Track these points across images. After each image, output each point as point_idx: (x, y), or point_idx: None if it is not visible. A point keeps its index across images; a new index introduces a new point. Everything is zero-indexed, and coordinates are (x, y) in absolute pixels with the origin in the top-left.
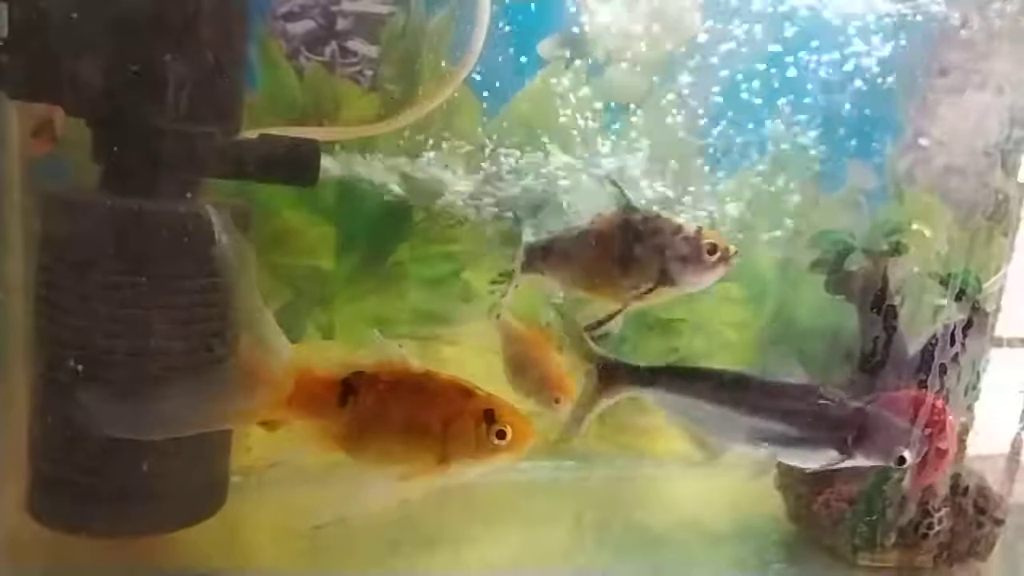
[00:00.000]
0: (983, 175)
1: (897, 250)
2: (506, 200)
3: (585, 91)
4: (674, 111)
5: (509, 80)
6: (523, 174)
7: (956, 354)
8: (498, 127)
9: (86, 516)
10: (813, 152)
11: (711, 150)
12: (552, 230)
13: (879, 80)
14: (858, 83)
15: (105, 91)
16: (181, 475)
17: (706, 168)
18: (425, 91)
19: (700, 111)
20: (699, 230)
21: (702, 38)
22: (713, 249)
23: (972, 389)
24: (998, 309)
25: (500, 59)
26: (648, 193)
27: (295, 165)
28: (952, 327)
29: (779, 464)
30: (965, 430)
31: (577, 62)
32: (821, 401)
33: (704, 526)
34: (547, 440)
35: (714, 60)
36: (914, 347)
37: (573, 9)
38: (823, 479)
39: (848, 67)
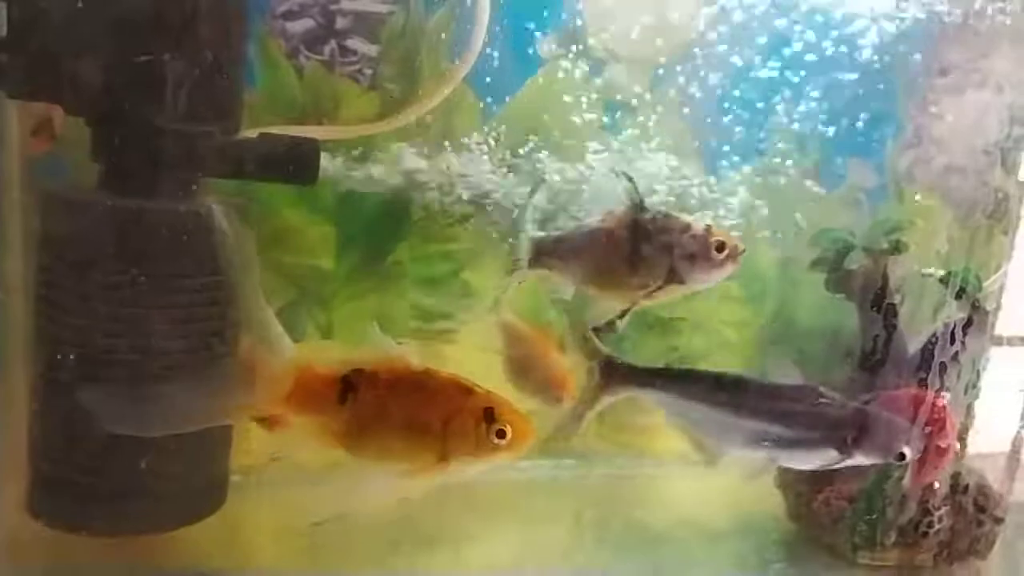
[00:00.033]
0: (983, 174)
1: (897, 248)
2: (506, 198)
3: (585, 90)
4: (673, 110)
5: (509, 79)
6: (523, 173)
7: (956, 352)
8: (497, 126)
9: (86, 515)
10: (813, 151)
11: (711, 149)
12: (557, 227)
13: (879, 79)
14: (858, 82)
15: (104, 90)
16: (181, 474)
17: (705, 168)
18: (425, 90)
19: (700, 110)
20: (708, 228)
21: (702, 37)
22: (721, 247)
23: (972, 387)
24: (998, 308)
25: (500, 58)
26: (648, 193)
27: (295, 164)
28: (952, 325)
29: None
30: (965, 428)
31: (577, 61)
32: (820, 401)
33: (704, 525)
34: (547, 439)
35: (714, 59)
36: (914, 346)
37: (573, 8)
38: (823, 477)
39: (848, 66)
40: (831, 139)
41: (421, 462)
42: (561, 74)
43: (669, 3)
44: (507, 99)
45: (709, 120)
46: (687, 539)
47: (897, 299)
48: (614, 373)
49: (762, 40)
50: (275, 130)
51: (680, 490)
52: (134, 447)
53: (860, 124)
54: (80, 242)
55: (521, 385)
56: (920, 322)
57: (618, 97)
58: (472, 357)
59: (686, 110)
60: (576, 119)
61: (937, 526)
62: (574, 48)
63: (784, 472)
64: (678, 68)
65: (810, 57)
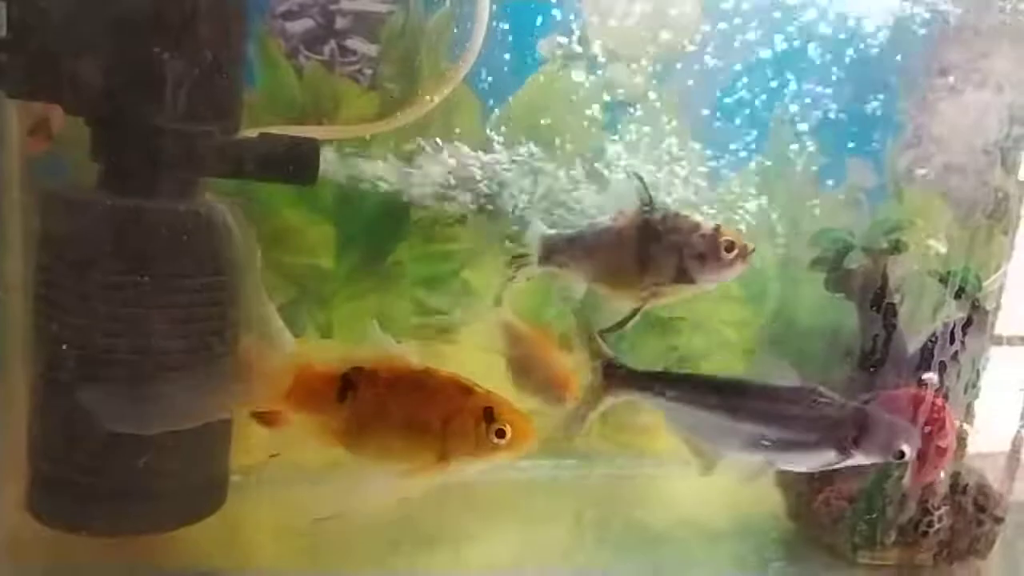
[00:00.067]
0: (983, 173)
1: (897, 248)
2: (507, 198)
3: (585, 89)
4: (673, 109)
5: (509, 79)
6: (523, 172)
7: (956, 352)
8: (498, 125)
9: (86, 515)
10: (813, 150)
11: (710, 148)
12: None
13: (880, 78)
14: (859, 81)
15: (104, 90)
16: (181, 474)
17: (705, 167)
18: (424, 90)
19: (700, 109)
20: (717, 228)
21: (702, 36)
22: (731, 247)
23: (972, 387)
24: (998, 307)
25: (500, 58)
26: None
27: (295, 164)
28: (952, 325)
29: None
30: (965, 428)
31: (577, 60)
32: (819, 401)
33: (704, 524)
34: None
35: (713, 58)
36: (914, 345)
37: (573, 7)
38: (823, 477)
39: (848, 65)
40: (831, 138)
41: (421, 461)
42: (561, 73)
43: (669, 2)
44: (507, 99)
45: (709, 119)
46: (687, 539)
47: (897, 299)
48: (614, 376)
49: (762, 40)
50: (275, 130)
51: (680, 490)
52: (134, 447)
53: (860, 124)
54: (80, 242)
55: (523, 385)
56: (920, 322)
57: (618, 96)
58: (473, 357)
59: (686, 109)
60: (576, 118)
61: (937, 525)
62: (574, 48)
63: (784, 472)
64: (678, 67)
65: (810, 57)
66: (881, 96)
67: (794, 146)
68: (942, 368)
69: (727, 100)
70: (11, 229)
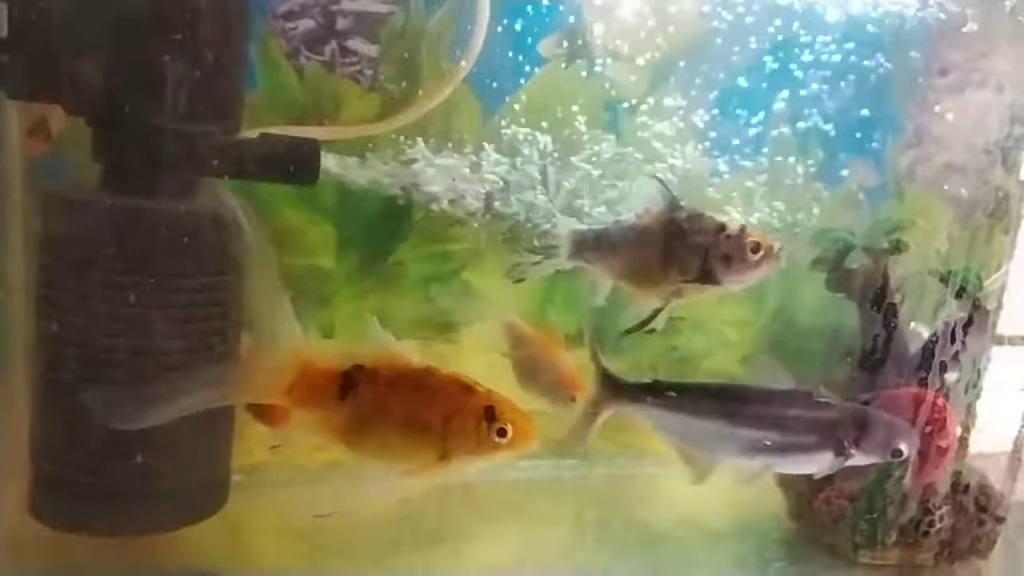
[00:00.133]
0: (983, 173)
1: (897, 248)
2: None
3: (585, 89)
4: (674, 109)
5: (509, 79)
6: (523, 172)
7: (957, 352)
8: (498, 125)
9: (87, 515)
10: (813, 149)
11: (711, 148)
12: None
13: (880, 77)
14: (859, 80)
15: (105, 90)
16: (182, 474)
17: (705, 166)
18: (425, 90)
19: (700, 109)
20: (743, 228)
21: (702, 36)
22: (757, 247)
23: (973, 387)
24: (999, 307)
25: (500, 58)
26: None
27: (295, 164)
28: (953, 325)
29: None
30: (966, 428)
31: (578, 60)
32: (817, 401)
33: (704, 524)
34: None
35: (714, 58)
36: (914, 345)
37: (573, 7)
38: (824, 476)
39: (849, 64)
40: (832, 138)
41: (421, 460)
42: (561, 73)
43: (669, 1)
44: (507, 99)
45: (709, 119)
46: (688, 539)
47: (897, 298)
48: (611, 388)
49: (762, 39)
50: (275, 130)
51: (681, 490)
52: (135, 447)
53: (861, 123)
54: (81, 242)
55: (528, 386)
56: (920, 321)
57: (618, 96)
58: (474, 358)
59: (686, 109)
60: (577, 118)
61: (938, 525)
62: (575, 47)
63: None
64: (678, 67)
65: (811, 56)
66: (881, 96)
67: (794, 146)
68: (943, 368)
69: (727, 99)
70: (12, 230)
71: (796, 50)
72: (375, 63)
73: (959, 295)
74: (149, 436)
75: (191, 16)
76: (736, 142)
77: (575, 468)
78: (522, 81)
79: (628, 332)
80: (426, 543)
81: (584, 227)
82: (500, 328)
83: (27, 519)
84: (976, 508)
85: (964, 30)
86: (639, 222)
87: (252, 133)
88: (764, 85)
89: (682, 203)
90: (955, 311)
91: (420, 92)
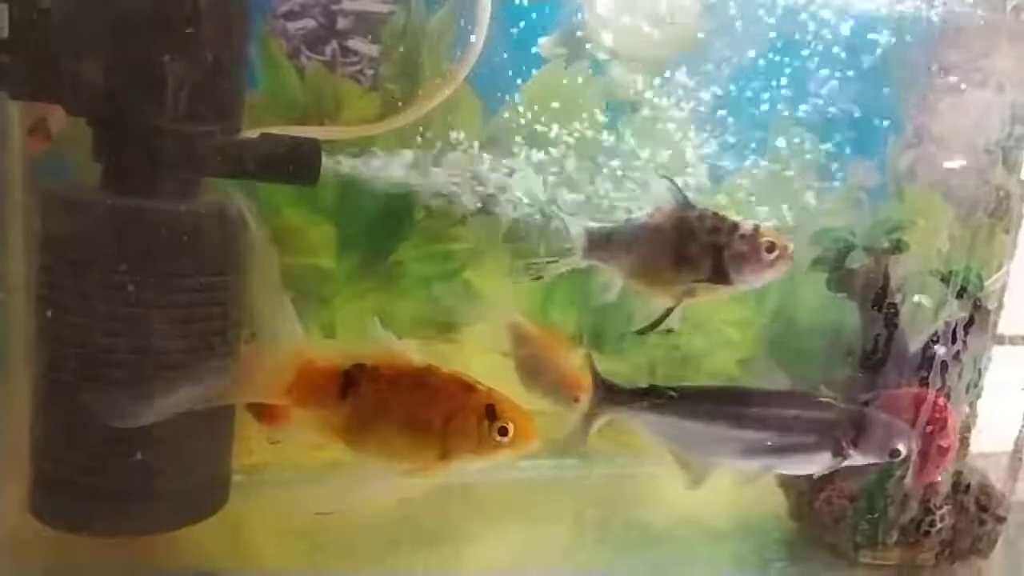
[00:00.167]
0: (984, 172)
1: (898, 248)
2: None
3: (586, 89)
4: (674, 109)
5: (510, 79)
6: (523, 172)
7: (958, 352)
8: (498, 125)
9: (87, 515)
10: (813, 149)
11: (712, 147)
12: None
13: (880, 77)
14: (859, 80)
15: (106, 90)
16: (182, 474)
17: (706, 165)
18: (426, 90)
19: (701, 109)
20: (756, 228)
21: (703, 35)
22: (771, 247)
23: (974, 387)
24: (1000, 307)
25: (500, 58)
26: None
27: (296, 164)
28: (953, 325)
29: None
30: (967, 427)
31: (578, 60)
32: (812, 404)
33: (705, 524)
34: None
35: (714, 58)
36: (915, 345)
37: (573, 6)
38: (824, 476)
39: (849, 64)
40: (832, 138)
41: (422, 459)
42: (562, 73)
43: (670, 1)
44: (508, 99)
45: (710, 118)
46: (688, 538)
47: (898, 298)
48: (607, 395)
49: (763, 39)
50: (276, 130)
51: (681, 490)
52: (135, 447)
53: (861, 123)
54: (81, 242)
55: (534, 387)
56: (921, 321)
57: (619, 96)
58: (475, 357)
59: (687, 108)
60: (577, 118)
61: (939, 525)
62: (575, 47)
63: None
64: (679, 66)
65: (811, 56)
66: (882, 95)
67: (795, 145)
68: (944, 368)
69: (728, 99)
70: (12, 229)
71: (796, 50)
72: (376, 63)
73: (960, 295)
74: (149, 436)
75: (191, 16)
76: (737, 141)
77: (575, 468)
78: (522, 81)
79: (640, 332)
80: (426, 543)
81: (597, 225)
82: (504, 328)
83: (27, 519)
84: (977, 508)
85: (964, 30)
86: (651, 220)
87: (253, 133)
88: (764, 85)
89: (690, 202)
90: (956, 311)
91: (420, 92)
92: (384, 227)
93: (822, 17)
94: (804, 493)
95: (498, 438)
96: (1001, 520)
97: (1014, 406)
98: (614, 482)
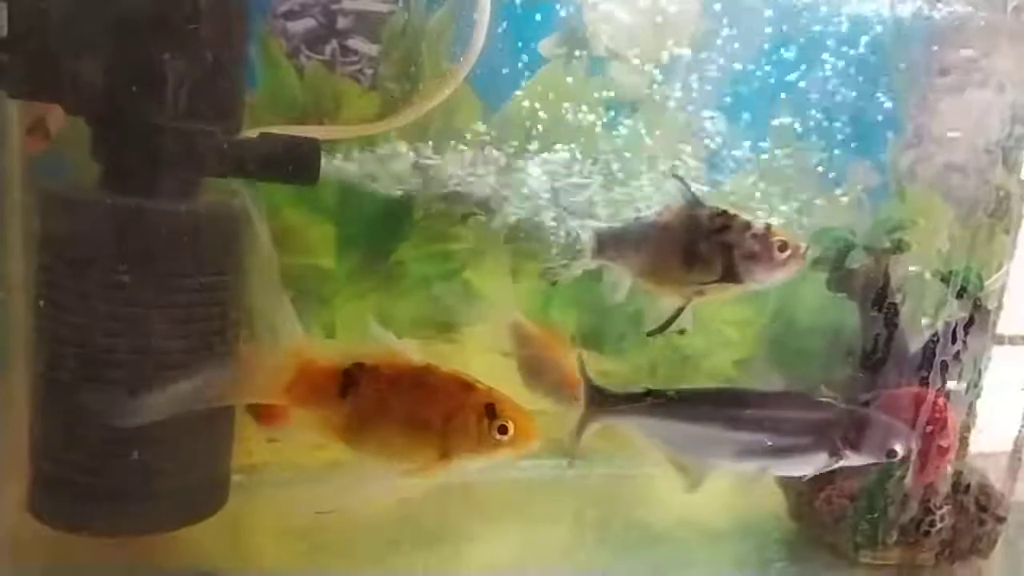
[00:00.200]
0: (984, 172)
1: (898, 247)
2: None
3: (586, 88)
4: (674, 108)
5: (509, 78)
6: (523, 172)
7: (958, 352)
8: (498, 125)
9: (87, 515)
10: (814, 149)
11: (711, 147)
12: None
13: (881, 77)
14: (860, 80)
15: (105, 89)
16: (182, 474)
17: (706, 164)
18: (425, 90)
19: (701, 108)
20: (768, 227)
21: (703, 35)
22: (784, 246)
23: (974, 387)
24: (1000, 307)
25: (500, 57)
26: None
27: (295, 164)
28: (953, 325)
29: None
30: (967, 427)
31: (578, 60)
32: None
33: (705, 524)
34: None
35: (714, 57)
36: (915, 345)
37: (573, 6)
38: (824, 476)
39: (849, 63)
40: (832, 138)
41: (422, 458)
42: (562, 73)
43: (669, 1)
44: (508, 98)
45: (709, 118)
46: (688, 539)
47: (898, 298)
48: (600, 401)
49: (763, 38)
50: (276, 130)
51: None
52: (135, 447)
53: (862, 123)
54: (80, 241)
55: (535, 387)
56: (921, 321)
57: (619, 95)
58: (475, 358)
59: (687, 108)
60: (577, 118)
61: (939, 525)
62: (574, 47)
63: None
64: (679, 66)
65: (812, 55)
66: (883, 95)
67: (795, 145)
68: (943, 368)
69: (728, 99)
70: (12, 229)
71: (796, 49)
72: (375, 62)
73: (960, 295)
74: (149, 436)
75: (191, 15)
76: (737, 141)
77: (575, 468)
78: (522, 80)
79: (651, 334)
80: (426, 543)
81: (605, 225)
82: (506, 328)
83: (27, 519)
84: (977, 508)
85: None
86: (659, 219)
87: (252, 133)
88: (764, 84)
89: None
90: (956, 311)
91: (420, 91)
92: (384, 227)
93: (822, 17)
94: (804, 493)
95: (498, 437)
96: (1001, 520)
97: (1013, 406)
98: (614, 482)
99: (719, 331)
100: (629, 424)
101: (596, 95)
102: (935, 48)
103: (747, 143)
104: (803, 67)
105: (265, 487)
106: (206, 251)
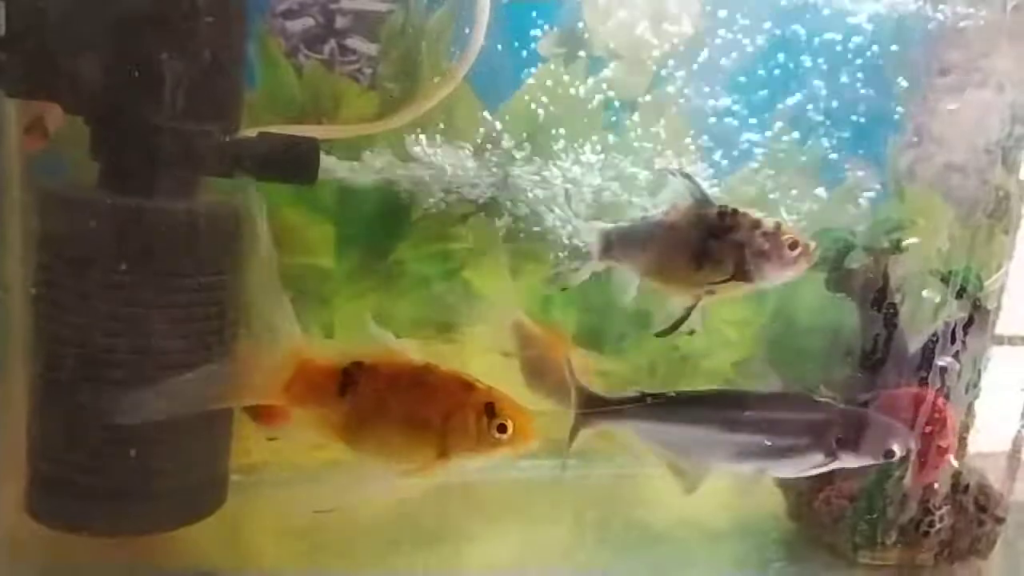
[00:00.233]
0: (984, 172)
1: (898, 248)
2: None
3: (585, 88)
4: (674, 108)
5: (509, 78)
6: (522, 171)
7: (957, 352)
8: (497, 125)
9: (85, 515)
10: (813, 149)
11: (711, 147)
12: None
13: (881, 77)
14: (860, 80)
15: (103, 89)
16: (181, 473)
17: (706, 165)
18: (424, 89)
19: (700, 108)
20: (778, 225)
21: (702, 34)
22: (794, 244)
23: (973, 387)
24: (999, 307)
25: (500, 57)
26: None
27: (294, 163)
28: (953, 325)
29: None
30: (966, 428)
31: (577, 59)
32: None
33: (704, 524)
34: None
35: (714, 57)
36: (915, 345)
37: (573, 6)
38: (823, 476)
39: (849, 64)
40: (832, 137)
41: (421, 457)
42: (561, 73)
43: (670, 1)
44: (507, 98)
45: (709, 118)
46: (688, 538)
47: (898, 298)
48: (592, 407)
49: (762, 38)
50: (274, 129)
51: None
52: (133, 446)
53: (861, 123)
54: (79, 240)
55: (537, 387)
56: (921, 321)
57: (618, 95)
58: (475, 358)
59: (687, 108)
60: (576, 118)
61: (938, 525)
62: (574, 47)
63: None
64: (678, 66)
65: (811, 55)
66: (882, 95)
67: (794, 145)
68: (943, 368)
69: (727, 99)
70: (11, 228)
71: (796, 49)
72: (374, 62)
73: (959, 295)
74: (148, 436)
75: (190, 15)
76: (736, 141)
77: (575, 468)
78: (522, 80)
79: (660, 335)
80: (426, 543)
81: (611, 225)
82: (508, 328)
83: (25, 519)
84: (976, 508)
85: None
86: (666, 218)
87: (251, 132)
88: (764, 84)
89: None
90: (955, 311)
91: (419, 91)
92: (383, 227)
93: (822, 16)
94: (803, 493)
95: (497, 435)
96: (1000, 520)
97: (1013, 406)
98: (614, 482)
99: (718, 331)
100: (622, 428)
101: (596, 95)
102: (935, 48)
103: (746, 143)
104: (803, 67)
105: (264, 487)
106: (205, 251)
